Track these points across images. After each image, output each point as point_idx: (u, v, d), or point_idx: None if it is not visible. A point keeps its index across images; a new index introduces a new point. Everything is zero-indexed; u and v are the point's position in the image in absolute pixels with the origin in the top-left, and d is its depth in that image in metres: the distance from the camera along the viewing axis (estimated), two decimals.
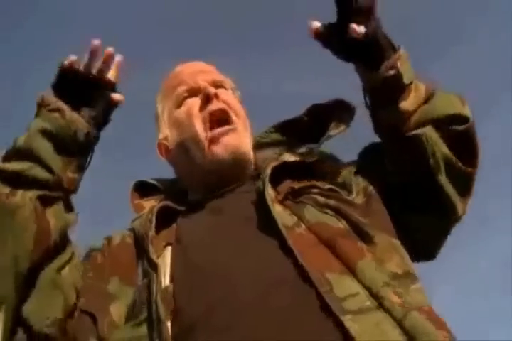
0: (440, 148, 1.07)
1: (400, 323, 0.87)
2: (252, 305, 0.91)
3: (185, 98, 1.26)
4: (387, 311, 0.89)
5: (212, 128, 1.20)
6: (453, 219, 1.14)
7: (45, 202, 1.08)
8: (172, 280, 1.00)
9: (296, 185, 1.09)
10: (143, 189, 1.29)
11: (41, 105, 1.13)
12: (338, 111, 1.22)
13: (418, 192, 1.10)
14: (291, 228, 0.99)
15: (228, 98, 1.27)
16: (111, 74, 1.16)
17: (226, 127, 1.20)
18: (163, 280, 0.99)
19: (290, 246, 0.95)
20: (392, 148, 1.11)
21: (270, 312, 0.89)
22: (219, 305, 0.93)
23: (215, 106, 1.22)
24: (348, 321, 0.86)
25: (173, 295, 0.97)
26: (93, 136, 1.15)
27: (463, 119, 1.09)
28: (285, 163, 1.12)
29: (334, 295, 0.89)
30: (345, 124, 1.21)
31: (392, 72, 1.06)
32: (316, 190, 1.08)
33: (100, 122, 1.17)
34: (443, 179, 1.09)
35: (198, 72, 1.31)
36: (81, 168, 1.15)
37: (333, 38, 1.08)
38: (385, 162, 1.13)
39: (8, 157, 1.10)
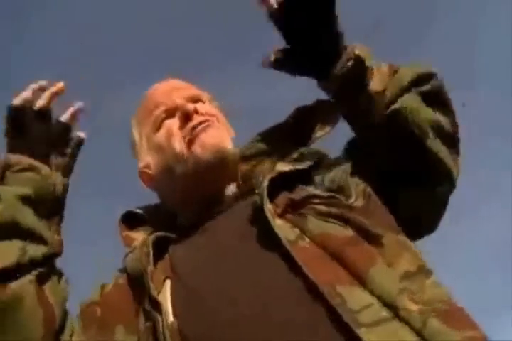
0: (421, 110, 1.05)
1: (419, 332, 0.84)
2: (261, 324, 0.87)
3: (164, 120, 1.20)
4: (405, 320, 0.85)
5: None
6: (451, 184, 1.11)
7: (42, 279, 1.02)
8: (175, 315, 0.95)
9: (295, 196, 1.04)
10: (129, 219, 1.22)
11: (6, 168, 1.04)
12: (322, 113, 1.19)
13: (413, 167, 1.07)
14: (294, 242, 0.95)
15: (208, 110, 1.21)
16: (65, 118, 1.14)
17: (202, 125, 1.15)
18: (167, 317, 0.95)
19: (295, 260, 0.91)
20: (375, 134, 1.08)
21: (282, 329, 0.86)
22: (227, 328, 0.89)
23: (195, 121, 1.17)
24: (363, 333, 0.82)
25: (178, 331, 0.92)
26: (68, 186, 1.11)
27: (428, 76, 1.08)
28: (281, 174, 1.07)
29: (347, 308, 0.85)
30: (331, 125, 1.19)
31: (351, 62, 1.04)
32: (316, 200, 1.03)
33: (71, 168, 1.13)
34: (433, 144, 1.05)
35: (172, 90, 1.25)
36: (60, 225, 1.10)
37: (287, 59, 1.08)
38: (373, 153, 1.10)
39: None
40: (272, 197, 1.02)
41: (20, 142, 1.08)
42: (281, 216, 1.00)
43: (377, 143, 1.08)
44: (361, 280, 0.89)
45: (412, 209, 1.09)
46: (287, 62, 1.09)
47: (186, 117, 1.16)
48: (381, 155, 1.08)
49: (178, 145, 1.14)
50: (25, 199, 1.02)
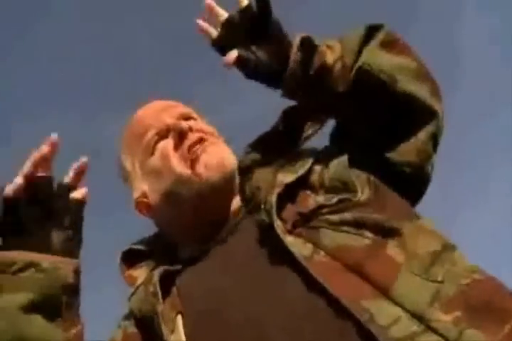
0: (382, 60, 1.04)
1: None
2: None
3: (156, 143, 1.12)
4: (438, 333, 0.80)
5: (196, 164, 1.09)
6: (437, 120, 1.07)
7: None
8: None
9: (303, 209, 0.98)
10: (129, 256, 1.14)
11: (1, 270, 0.87)
12: (310, 111, 1.15)
13: (395, 117, 1.05)
14: (309, 257, 0.90)
15: (202, 126, 1.16)
16: (69, 179, 0.95)
17: (200, 144, 1.10)
18: None
19: (314, 276, 0.86)
20: (349, 101, 1.05)
21: None
22: None
23: (191, 139, 1.10)
24: None
25: None
26: (80, 267, 0.93)
27: (376, 27, 1.07)
28: (286, 186, 1.00)
29: (377, 324, 0.81)
30: (320, 122, 1.15)
31: (299, 54, 1.03)
32: (325, 210, 0.97)
33: (79, 240, 0.95)
34: (405, 86, 1.03)
35: (161, 110, 1.17)
36: (78, 312, 0.94)
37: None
38: (354, 125, 1.08)
39: None
40: (279, 210, 0.97)
41: (15, 232, 0.89)
42: (291, 232, 0.94)
43: (354, 112, 1.06)
44: (386, 292, 0.85)
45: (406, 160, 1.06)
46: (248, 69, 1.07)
47: (181, 136, 1.10)
48: (361, 121, 1.06)
49: (178, 166, 1.08)
50: (29, 307, 0.86)
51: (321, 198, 0.99)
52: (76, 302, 0.93)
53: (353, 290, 0.85)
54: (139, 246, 1.15)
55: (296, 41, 1.04)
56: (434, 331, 0.80)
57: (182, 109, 1.20)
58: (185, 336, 0.93)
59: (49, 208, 0.91)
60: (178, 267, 1.05)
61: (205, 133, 1.13)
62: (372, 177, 1.03)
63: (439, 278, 0.86)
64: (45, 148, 0.91)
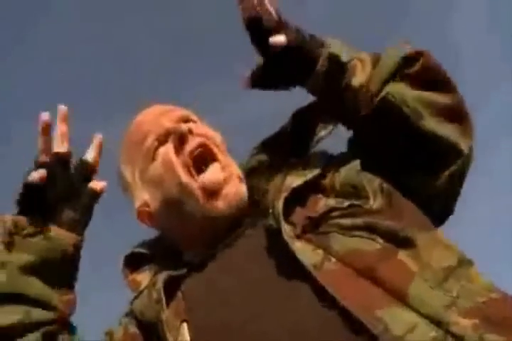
0: (409, 93, 0.98)
1: None
2: None
3: (157, 148, 1.08)
4: (459, 337, 0.77)
5: (199, 171, 1.05)
6: (462, 159, 1.01)
7: (50, 338, 0.96)
8: None
9: (313, 214, 0.94)
10: (131, 260, 1.12)
11: (13, 233, 0.96)
12: (321, 112, 1.11)
13: (416, 153, 1.00)
14: (319, 266, 0.86)
15: (202, 130, 1.11)
16: (90, 157, 1.04)
17: (217, 176, 1.05)
18: None
19: (324, 286, 0.83)
20: (369, 127, 1.01)
21: None
22: None
23: (192, 143, 1.07)
24: None
25: None
26: (82, 244, 1.01)
27: (418, 54, 1.00)
28: (293, 190, 0.97)
29: (391, 334, 0.77)
30: (333, 123, 1.11)
31: (324, 66, 0.99)
32: (336, 213, 0.94)
33: (85, 222, 1.02)
34: (429, 123, 0.98)
35: (159, 115, 1.13)
36: (74, 283, 1.02)
37: (265, 75, 1.04)
38: (374, 146, 1.03)
39: None
40: (286, 215, 0.94)
41: (32, 201, 0.98)
42: (300, 237, 0.91)
43: (374, 135, 1.01)
44: (401, 298, 0.81)
45: (427, 193, 1.02)
46: (264, 78, 1.04)
47: (181, 139, 1.07)
48: (381, 146, 1.01)
49: (183, 175, 1.04)
50: (30, 269, 0.95)
51: (331, 201, 0.96)
52: (72, 274, 1.02)
53: (365, 298, 0.82)
54: (142, 250, 1.13)
55: (324, 54, 1.00)
56: (454, 335, 0.77)
57: (180, 112, 1.16)
58: None
59: (67, 187, 1.01)
60: (183, 271, 1.02)
61: (205, 137, 1.09)
62: (385, 184, 0.98)
63: (454, 294, 0.83)
64: (59, 125, 1.01)
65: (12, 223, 0.96)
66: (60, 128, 1.02)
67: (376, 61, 1.01)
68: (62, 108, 1.02)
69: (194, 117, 1.16)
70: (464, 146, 1.00)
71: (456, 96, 1.02)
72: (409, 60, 1.00)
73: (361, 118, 1.00)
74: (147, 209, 1.10)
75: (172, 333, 0.93)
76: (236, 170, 1.08)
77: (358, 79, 0.99)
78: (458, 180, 1.04)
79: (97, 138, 1.05)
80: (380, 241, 0.90)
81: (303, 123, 1.14)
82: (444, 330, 0.78)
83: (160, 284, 0.98)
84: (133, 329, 1.02)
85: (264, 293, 0.89)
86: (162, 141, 1.08)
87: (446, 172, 1.00)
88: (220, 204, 1.03)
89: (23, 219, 0.97)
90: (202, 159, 1.06)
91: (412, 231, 0.91)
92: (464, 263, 0.88)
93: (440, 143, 0.99)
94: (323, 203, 0.97)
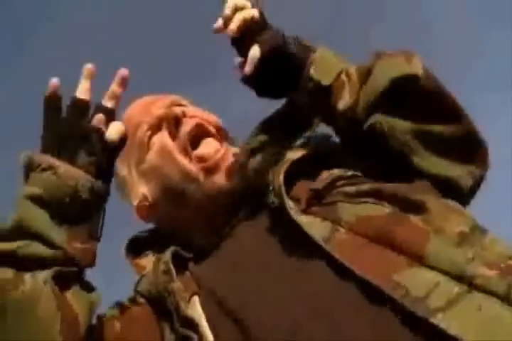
0: (400, 125, 0.90)
1: (506, 299, 0.72)
2: (324, 334, 0.76)
3: (150, 138, 1.04)
4: (485, 289, 0.73)
5: (194, 148, 1.02)
6: (462, 193, 0.96)
7: (62, 282, 0.86)
8: (215, 333, 0.84)
9: (316, 185, 0.90)
10: (134, 245, 1.07)
11: (29, 168, 0.90)
12: None
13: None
14: (329, 238, 0.83)
15: (196, 112, 1.08)
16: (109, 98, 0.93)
17: (212, 146, 1.03)
18: (205, 336, 0.84)
19: (337, 259, 0.79)
20: (359, 142, 0.96)
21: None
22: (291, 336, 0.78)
23: (188, 125, 1.03)
24: (441, 321, 0.70)
25: None
26: (100, 189, 0.90)
27: (412, 78, 0.90)
28: (293, 163, 0.94)
29: (413, 296, 0.73)
30: None
31: (306, 88, 0.94)
32: (341, 182, 0.90)
33: (105, 168, 0.92)
34: (421, 161, 0.92)
35: (148, 105, 1.09)
36: (94, 235, 0.91)
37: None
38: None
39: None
40: (289, 190, 0.90)
41: (49, 139, 0.91)
42: (306, 211, 0.87)
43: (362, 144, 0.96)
44: (419, 258, 0.78)
45: None
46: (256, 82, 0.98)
47: (176, 122, 1.03)
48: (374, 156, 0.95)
49: (180, 157, 1.00)
50: (36, 200, 0.87)
51: (335, 171, 0.93)
52: (90, 220, 0.91)
53: (381, 264, 0.78)
54: (145, 234, 1.09)
55: (305, 74, 0.94)
56: (480, 288, 0.73)
57: (169, 98, 1.12)
58: (205, 316, 0.86)
59: (84, 130, 0.91)
60: (189, 255, 0.99)
61: (200, 118, 1.06)
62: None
63: (470, 256, 0.79)
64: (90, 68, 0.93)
65: (27, 158, 0.90)
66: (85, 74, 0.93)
67: (365, 77, 0.93)
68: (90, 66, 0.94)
69: (184, 101, 1.13)
70: (463, 184, 0.94)
71: (464, 126, 0.93)
72: (399, 83, 0.90)
73: (349, 131, 0.96)
74: (146, 203, 1.05)
75: (183, 303, 0.88)
76: (233, 149, 1.06)
77: (343, 102, 0.93)
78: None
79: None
80: (389, 206, 0.86)
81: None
82: (468, 284, 0.74)
83: (168, 256, 0.95)
84: (137, 306, 0.96)
85: (277, 272, 0.85)
86: (155, 129, 1.05)
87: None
88: (220, 178, 1.00)
89: (37, 157, 0.89)
90: (199, 139, 1.04)
91: (421, 195, 0.87)
92: (478, 230, 0.84)
93: (435, 179, 0.93)
94: (326, 174, 0.93)
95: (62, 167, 0.88)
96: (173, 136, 1.03)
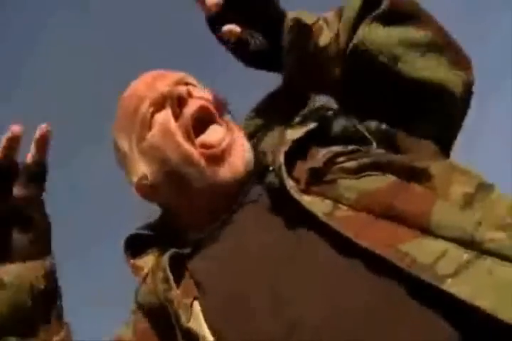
0: (381, 36, 0.91)
1: None
2: (329, 321, 0.73)
3: (152, 115, 0.99)
4: (495, 253, 0.71)
5: (198, 135, 0.97)
6: (454, 101, 0.95)
7: None
8: (217, 338, 0.82)
9: (315, 163, 0.88)
10: (134, 243, 1.03)
11: None
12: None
13: (403, 99, 0.93)
14: (330, 213, 0.81)
15: (202, 93, 1.03)
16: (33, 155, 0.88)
17: (217, 135, 0.97)
18: None
19: (342, 233, 0.77)
20: (351, 86, 0.95)
21: (355, 320, 0.72)
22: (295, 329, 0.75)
23: (192, 106, 0.98)
24: (451, 286, 0.68)
25: None
26: (51, 266, 0.86)
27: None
28: (293, 143, 0.91)
29: (420, 264, 0.71)
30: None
31: (292, 22, 0.93)
32: (340, 158, 0.88)
33: (45, 238, 0.87)
34: (407, 65, 0.91)
35: (154, 80, 1.04)
36: (59, 313, 0.88)
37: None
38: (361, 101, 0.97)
39: None
40: (290, 170, 0.88)
41: None
42: (306, 191, 0.85)
43: (358, 95, 0.96)
44: (424, 228, 0.76)
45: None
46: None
47: (180, 103, 0.98)
48: (369, 105, 0.96)
49: (182, 141, 0.96)
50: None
51: (334, 148, 0.91)
52: (54, 307, 0.87)
53: (386, 236, 0.76)
54: (144, 232, 1.05)
55: (287, 22, 0.94)
56: (490, 253, 0.71)
57: (177, 75, 1.07)
58: (207, 322, 0.84)
59: (9, 206, 0.85)
60: (188, 250, 0.95)
61: (206, 100, 1.01)
62: (384, 126, 0.93)
63: (477, 218, 0.76)
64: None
65: None
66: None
67: (341, 13, 0.95)
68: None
69: (192, 80, 1.08)
70: (453, 85, 0.93)
71: (434, 27, 0.94)
72: (370, 2, 0.93)
73: (341, 79, 0.94)
74: (146, 182, 1.01)
75: (184, 312, 0.85)
76: (241, 135, 1.01)
77: (324, 37, 0.92)
78: (459, 118, 0.98)
79: (43, 128, 0.88)
80: (392, 176, 0.84)
81: (297, 82, 1.06)
82: (478, 250, 0.72)
83: (165, 262, 0.91)
84: (142, 324, 0.94)
85: (280, 258, 0.82)
86: (158, 106, 1.00)
87: (444, 114, 0.95)
88: (224, 172, 0.95)
89: None
90: (203, 123, 0.98)
91: (424, 161, 0.86)
92: (483, 188, 0.82)
93: (426, 86, 0.92)
94: (324, 152, 0.91)
95: (5, 275, 0.83)
96: (176, 116, 0.98)
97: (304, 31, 0.93)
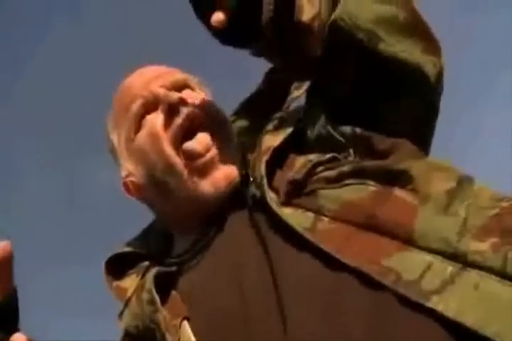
0: (363, 13, 0.87)
1: (502, 273, 0.69)
2: (323, 329, 0.71)
3: (143, 116, 0.97)
4: (480, 266, 0.70)
5: (184, 141, 0.94)
6: (429, 84, 0.92)
7: None
8: None
9: (295, 175, 0.85)
10: (116, 264, 0.98)
11: None
12: (294, 71, 1.00)
13: (379, 80, 0.90)
14: (312, 228, 0.78)
15: (197, 100, 0.98)
16: None
17: (201, 144, 0.93)
18: None
19: (321, 248, 0.75)
20: (328, 63, 0.91)
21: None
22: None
23: (183, 115, 0.94)
24: (436, 303, 0.67)
25: None
26: None
27: None
28: (274, 151, 0.88)
29: (405, 280, 0.70)
30: (306, 83, 1.00)
31: (270, 10, 0.84)
32: (320, 168, 0.86)
33: None
34: (388, 45, 0.88)
35: (151, 78, 1.00)
36: None
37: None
38: (333, 85, 0.93)
39: None
40: (270, 180, 0.85)
41: None
42: (286, 203, 0.83)
43: (332, 73, 0.92)
44: (408, 239, 0.74)
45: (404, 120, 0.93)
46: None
47: (171, 110, 0.94)
48: (342, 85, 0.92)
49: (167, 149, 0.93)
50: None
51: (312, 157, 0.89)
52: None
53: (370, 251, 0.74)
54: (127, 249, 1.01)
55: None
56: (474, 265, 0.70)
57: (176, 76, 1.02)
58: None
59: None
60: (173, 268, 0.91)
61: (200, 107, 0.96)
62: (358, 129, 0.90)
63: (463, 215, 0.75)
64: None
65: None
66: None
67: None
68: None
69: (192, 82, 1.04)
70: (428, 69, 0.91)
71: (410, 7, 0.91)
72: None
73: (320, 58, 0.90)
74: (133, 179, 0.99)
75: (172, 334, 0.82)
76: (229, 146, 0.97)
77: (308, 13, 0.87)
78: (430, 104, 0.96)
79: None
80: (372, 183, 0.82)
81: (276, 83, 1.05)
82: (462, 263, 0.71)
83: (150, 283, 0.87)
84: None
85: (264, 273, 0.80)
86: (150, 107, 0.97)
87: (416, 99, 0.92)
88: (206, 187, 0.92)
89: None
90: (192, 130, 0.95)
91: (403, 163, 0.84)
92: (464, 181, 0.80)
93: (403, 67, 0.89)
94: (302, 161, 0.89)
95: None
96: (166, 123, 0.94)
97: (286, 4, 0.86)
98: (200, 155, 0.93)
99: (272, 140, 0.91)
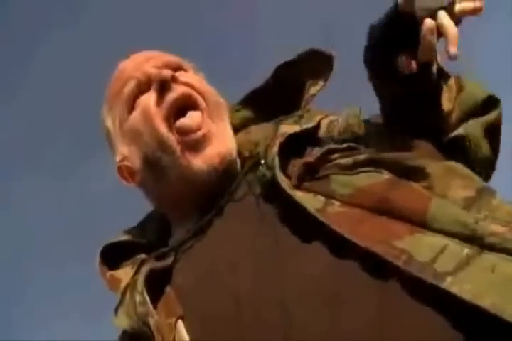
0: (483, 149, 0.93)
1: None
2: (325, 328, 0.69)
3: (136, 97, 0.96)
4: (497, 248, 0.68)
5: (177, 119, 0.94)
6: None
7: None
8: None
9: (309, 159, 0.85)
10: (112, 253, 0.97)
11: None
12: (309, 66, 1.03)
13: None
14: (321, 209, 0.77)
15: (190, 79, 0.98)
16: None
17: (194, 120, 0.93)
18: None
19: (334, 229, 0.73)
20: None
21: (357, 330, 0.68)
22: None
23: (175, 92, 0.94)
24: (451, 284, 0.65)
25: None
26: None
27: (495, 103, 0.94)
28: (289, 136, 0.88)
29: (417, 261, 0.68)
30: (323, 78, 1.03)
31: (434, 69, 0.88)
32: (335, 155, 0.85)
33: None
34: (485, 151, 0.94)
35: (144, 60, 1.00)
36: None
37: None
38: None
39: None
40: (283, 165, 0.84)
41: None
42: (298, 187, 0.81)
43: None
44: (422, 223, 0.72)
45: None
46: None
47: (163, 87, 0.94)
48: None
49: (160, 126, 0.92)
50: None
51: (331, 145, 0.88)
52: None
53: (382, 232, 0.73)
54: (125, 237, 1.00)
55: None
56: (492, 247, 0.68)
57: (169, 57, 1.02)
58: None
59: None
60: (168, 262, 0.89)
61: (192, 86, 0.96)
62: (380, 127, 0.92)
63: (478, 216, 0.74)
64: None
65: None
66: None
67: (459, 89, 0.93)
68: None
69: (186, 65, 1.03)
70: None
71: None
72: (489, 103, 0.94)
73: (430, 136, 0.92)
74: (128, 164, 0.98)
75: (166, 334, 0.80)
76: (224, 124, 0.97)
77: (444, 104, 0.92)
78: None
79: None
80: (387, 172, 0.81)
81: (289, 78, 1.05)
82: (479, 245, 0.68)
83: (141, 284, 0.85)
84: None
85: (270, 260, 0.77)
86: (143, 88, 0.96)
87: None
88: (198, 161, 0.91)
89: None
90: (184, 109, 0.95)
91: (422, 160, 0.83)
92: (484, 193, 0.79)
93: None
94: (319, 148, 0.88)
95: None
96: (159, 101, 0.94)
97: (443, 80, 0.92)
98: (192, 130, 0.92)
99: (288, 128, 0.91)
